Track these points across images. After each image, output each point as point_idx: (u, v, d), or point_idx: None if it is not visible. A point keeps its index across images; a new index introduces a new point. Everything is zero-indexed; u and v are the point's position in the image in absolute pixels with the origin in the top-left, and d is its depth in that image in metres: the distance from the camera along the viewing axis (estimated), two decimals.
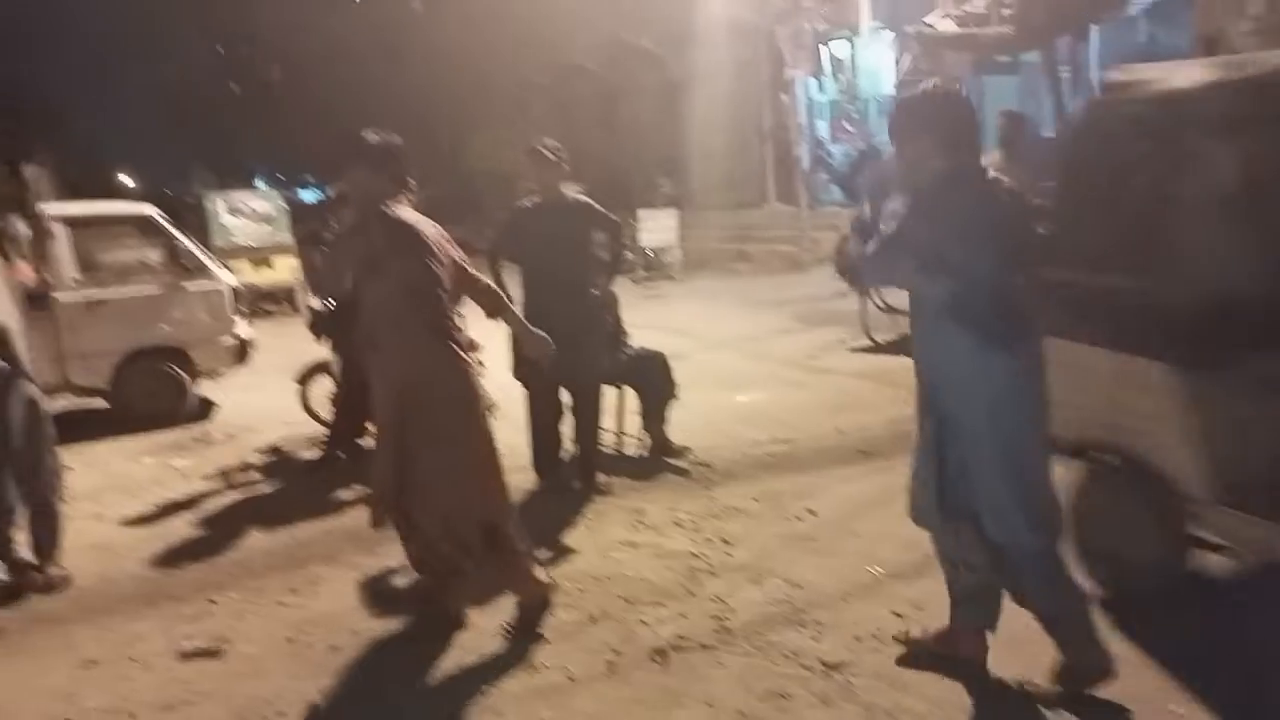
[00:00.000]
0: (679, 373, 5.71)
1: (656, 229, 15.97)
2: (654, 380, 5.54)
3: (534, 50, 23.16)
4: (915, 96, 2.92)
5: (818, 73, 15.58)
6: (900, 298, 8.67)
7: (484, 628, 3.56)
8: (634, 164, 22.30)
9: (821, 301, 11.48)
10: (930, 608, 3.52)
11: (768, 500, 4.82)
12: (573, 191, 5.06)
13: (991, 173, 2.91)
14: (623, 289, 5.94)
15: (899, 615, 3.49)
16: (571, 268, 4.89)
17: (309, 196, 22.86)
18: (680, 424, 5.71)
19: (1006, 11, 9.50)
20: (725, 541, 4.30)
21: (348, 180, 3.46)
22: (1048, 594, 2.88)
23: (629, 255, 15.77)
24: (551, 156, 4.84)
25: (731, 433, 6.05)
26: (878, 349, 8.47)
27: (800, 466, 5.39)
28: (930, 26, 10.30)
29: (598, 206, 5.04)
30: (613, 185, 21.29)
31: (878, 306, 8.84)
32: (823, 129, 18.36)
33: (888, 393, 6.92)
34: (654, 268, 15.83)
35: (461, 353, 3.37)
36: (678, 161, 20.14)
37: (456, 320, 3.42)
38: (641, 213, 16.11)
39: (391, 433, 3.38)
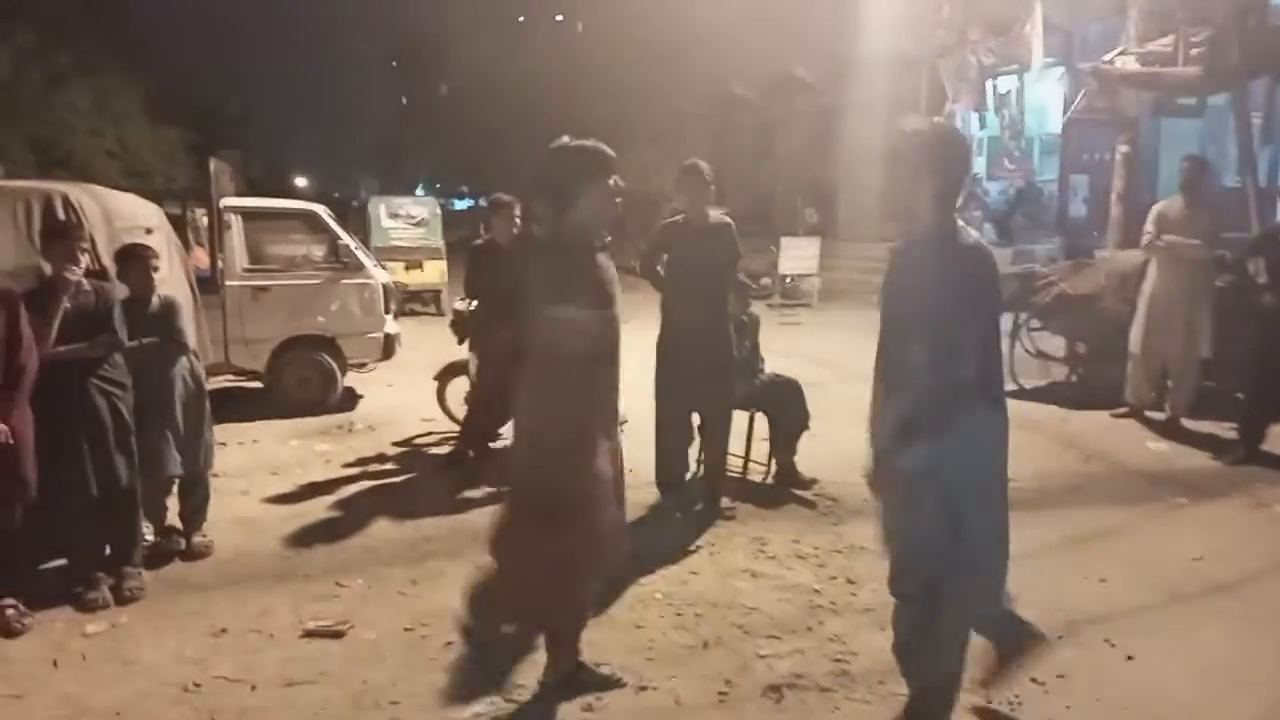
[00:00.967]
0: (813, 403, 5.55)
1: (797, 256, 15.74)
2: (787, 408, 5.40)
3: (691, 77, 23.39)
4: (927, 130, 2.79)
5: (980, 107, 15.04)
6: (1054, 344, 8.27)
7: (599, 640, 3.51)
8: (781, 192, 22.14)
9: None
10: (1073, 676, 3.27)
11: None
12: (717, 213, 5.01)
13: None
14: (760, 315, 5.83)
15: (1038, 683, 3.23)
16: (710, 288, 4.84)
17: (461, 205, 23.76)
18: (810, 455, 5.54)
19: (1195, 51, 8.91)
20: (850, 580, 4.12)
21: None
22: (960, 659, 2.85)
23: (756, 285, 15.64)
24: (706, 175, 4.81)
25: (863, 469, 5.82)
26: (1024, 395, 8.02)
27: None
28: (1110, 64, 9.77)
29: (733, 232, 4.98)
30: (758, 212, 21.23)
31: (1027, 351, 8.40)
32: (979, 165, 17.76)
33: (1033, 441, 6.54)
34: (791, 295, 15.62)
35: None
36: (826, 191, 19.86)
37: None
38: (784, 240, 15.94)
39: None
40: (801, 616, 3.76)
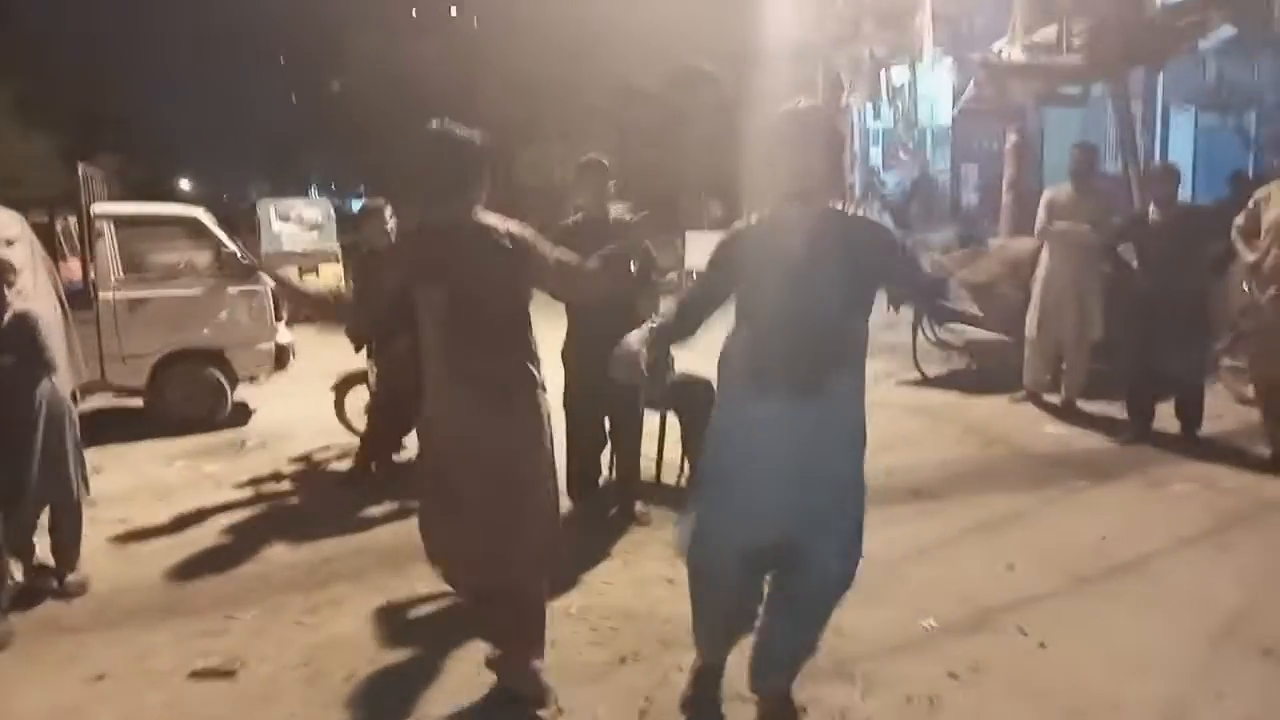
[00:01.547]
0: None
1: (703, 250, 15.71)
2: (698, 407, 5.31)
3: (594, 71, 23.23)
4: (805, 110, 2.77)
5: (875, 98, 15.32)
6: (954, 331, 8.44)
7: None
8: (685, 186, 22.18)
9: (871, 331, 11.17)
10: (987, 667, 3.27)
11: None
12: (618, 210, 4.90)
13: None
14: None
15: (954, 676, 3.22)
16: (615, 290, 4.71)
17: (358, 206, 23.13)
18: None
19: (1077, 41, 9.20)
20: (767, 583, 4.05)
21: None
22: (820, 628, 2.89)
23: (663, 280, 15.63)
24: (606, 171, 4.69)
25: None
26: (927, 383, 8.18)
27: None
28: (997, 54, 10.02)
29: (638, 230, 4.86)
30: (662, 207, 21.23)
31: (928, 339, 8.55)
32: (876, 156, 18.13)
33: (939, 430, 6.65)
34: None
35: None
36: (730, 184, 19.99)
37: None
38: (689, 234, 15.94)
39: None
40: None
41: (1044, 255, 6.86)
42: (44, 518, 4.11)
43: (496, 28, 29.04)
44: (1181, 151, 15.13)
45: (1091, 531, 4.52)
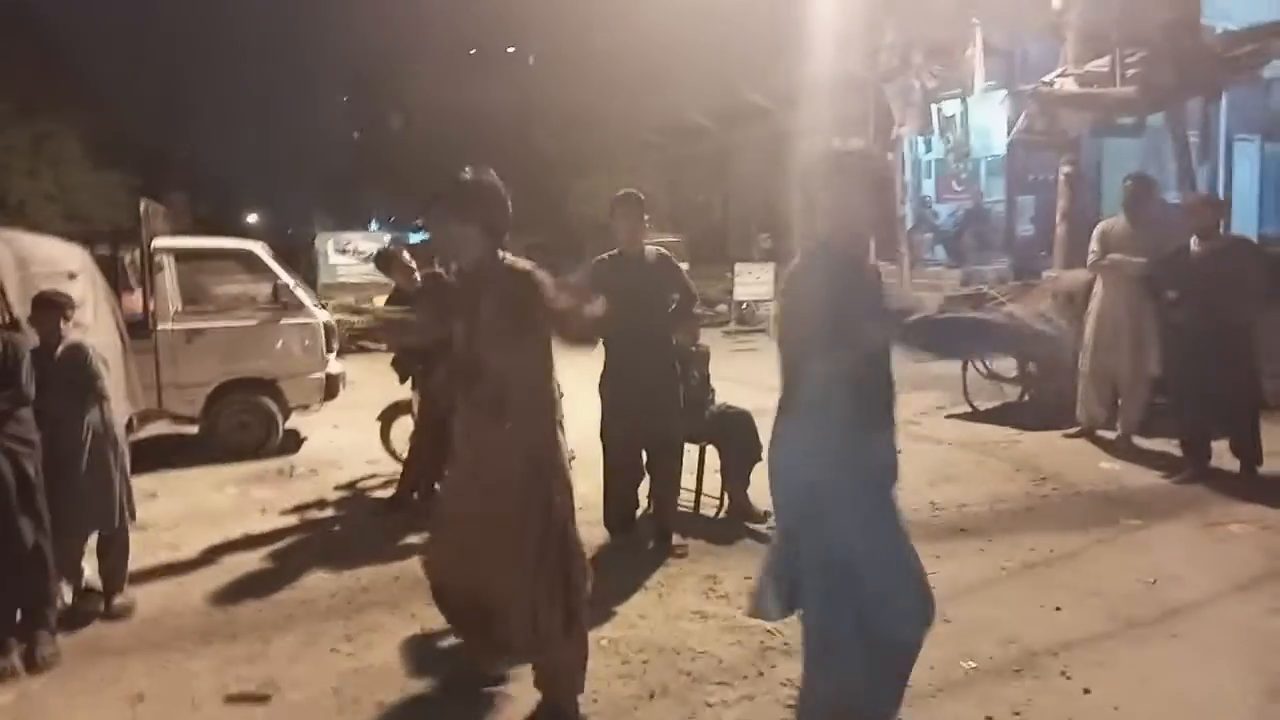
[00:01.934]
0: (766, 432, 5.42)
1: (752, 282, 15.78)
2: (738, 439, 5.29)
3: (646, 106, 23.45)
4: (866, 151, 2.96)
5: (926, 130, 15.22)
6: (1005, 365, 8.27)
7: (535, 699, 3.35)
8: (736, 219, 22.23)
9: (920, 364, 11.01)
10: (1029, 712, 3.16)
11: None
12: (654, 246, 4.92)
13: None
14: (712, 342, 5.75)
15: None
16: (649, 323, 4.74)
17: (417, 238, 23.58)
18: (763, 486, 5.41)
19: (1131, 72, 9.04)
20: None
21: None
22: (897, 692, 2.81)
23: (711, 311, 15.64)
24: (641, 205, 4.73)
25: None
26: (978, 416, 8.01)
27: None
28: (1049, 85, 9.89)
29: (673, 263, 4.90)
30: (714, 239, 21.27)
31: (979, 371, 8.40)
32: (929, 188, 17.96)
33: (989, 465, 6.50)
34: (746, 321, 15.62)
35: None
36: (780, 217, 19.97)
37: None
38: (739, 266, 15.95)
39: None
40: (752, 659, 3.62)
41: (1097, 288, 6.71)
42: (93, 542, 4.23)
43: (551, 63, 29.55)
44: (1246, 181, 14.74)
45: (1143, 573, 4.36)
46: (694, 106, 22.85)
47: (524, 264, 3.13)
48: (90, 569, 4.27)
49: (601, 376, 4.80)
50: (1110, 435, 6.81)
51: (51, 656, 3.72)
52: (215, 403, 7.32)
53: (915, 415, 8.33)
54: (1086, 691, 3.30)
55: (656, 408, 4.64)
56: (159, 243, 7.40)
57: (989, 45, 12.47)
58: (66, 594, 4.17)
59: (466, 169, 3.16)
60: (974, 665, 3.52)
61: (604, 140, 24.91)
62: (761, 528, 5.15)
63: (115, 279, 7.40)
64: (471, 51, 40.52)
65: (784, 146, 19.73)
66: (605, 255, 4.86)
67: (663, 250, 4.90)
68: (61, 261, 5.22)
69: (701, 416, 5.28)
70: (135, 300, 7.93)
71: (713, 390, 5.57)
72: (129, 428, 5.83)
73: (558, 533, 3.11)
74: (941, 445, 7.19)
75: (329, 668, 3.67)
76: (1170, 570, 4.39)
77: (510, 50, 38.43)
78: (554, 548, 3.08)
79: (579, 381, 5.41)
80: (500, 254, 3.13)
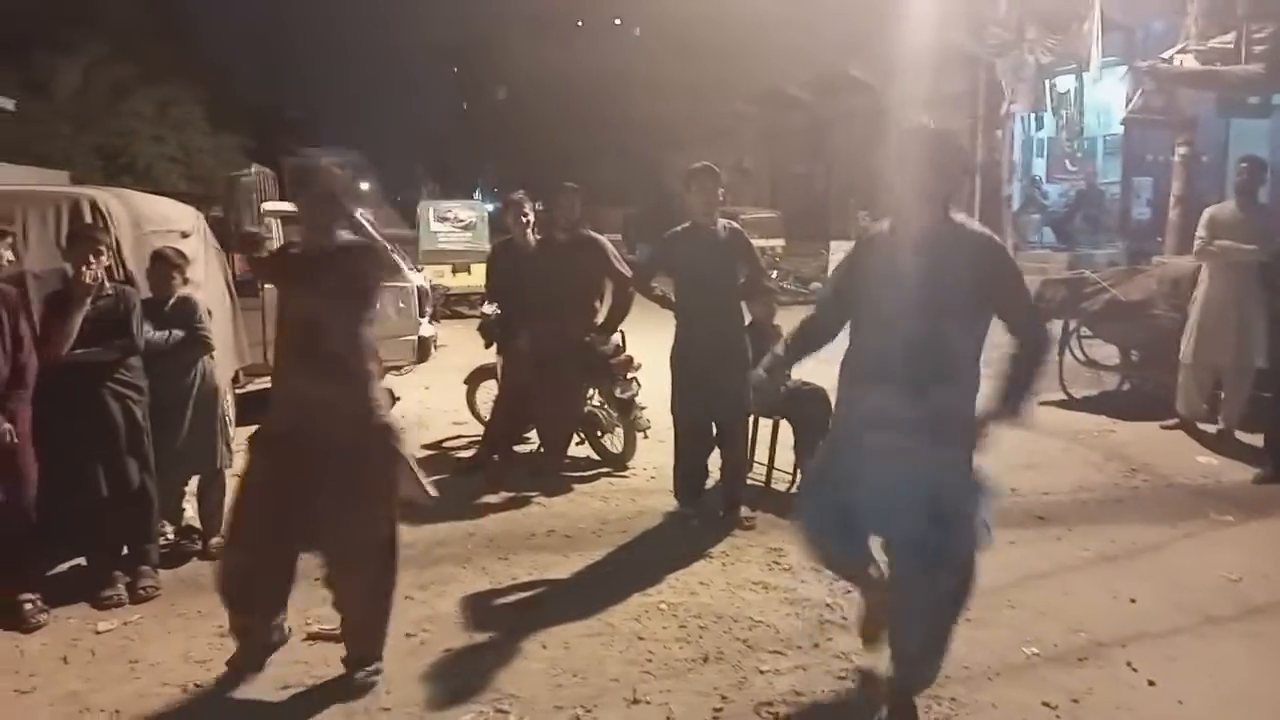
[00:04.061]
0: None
1: None
2: (811, 415, 5.27)
3: (743, 77, 23.22)
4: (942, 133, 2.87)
5: (1038, 107, 14.64)
6: (1106, 351, 7.97)
7: (597, 649, 3.47)
8: (834, 195, 21.86)
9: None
10: (1089, 700, 3.11)
11: None
12: (726, 220, 4.92)
13: None
14: (794, 319, 5.73)
15: (1050, 706, 3.09)
16: (719, 297, 4.76)
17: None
18: None
19: (1259, 48, 8.51)
20: None
21: None
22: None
23: (806, 290, 15.45)
24: (718, 179, 4.74)
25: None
26: (1072, 404, 7.76)
27: None
28: (1168, 62, 9.40)
29: (745, 238, 4.89)
30: (810, 215, 20.97)
31: (1077, 359, 8.12)
32: (1039, 167, 17.30)
33: (1077, 454, 6.32)
34: None
35: None
36: (877, 194, 19.55)
37: None
38: (834, 243, 15.71)
39: None
40: (809, 631, 3.65)
41: (1203, 275, 6.41)
42: (194, 485, 4.53)
43: (653, 35, 29.45)
44: None
45: (1228, 569, 4.20)
46: (794, 79, 22.48)
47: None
48: (190, 510, 4.57)
49: (673, 349, 4.86)
50: (1211, 428, 6.52)
51: (151, 589, 4.01)
52: None
53: None
54: (1151, 684, 3.23)
55: (726, 381, 4.67)
56: (267, 206, 7.75)
57: (1108, 19, 11.91)
58: (168, 532, 4.48)
59: None
60: (1036, 651, 3.48)
61: (702, 112, 24.77)
62: None
63: (225, 239, 7.78)
64: (579, 23, 40.72)
65: (885, 121, 19.33)
66: (678, 228, 4.89)
67: (735, 225, 4.90)
68: (175, 221, 5.52)
69: (776, 391, 5.28)
70: (237, 261, 8.32)
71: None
72: (235, 381, 6.19)
73: None
74: (1028, 431, 6.99)
75: (402, 613, 3.83)
76: (1258, 568, 4.22)
77: (617, 22, 38.47)
78: None
79: (651, 353, 5.49)
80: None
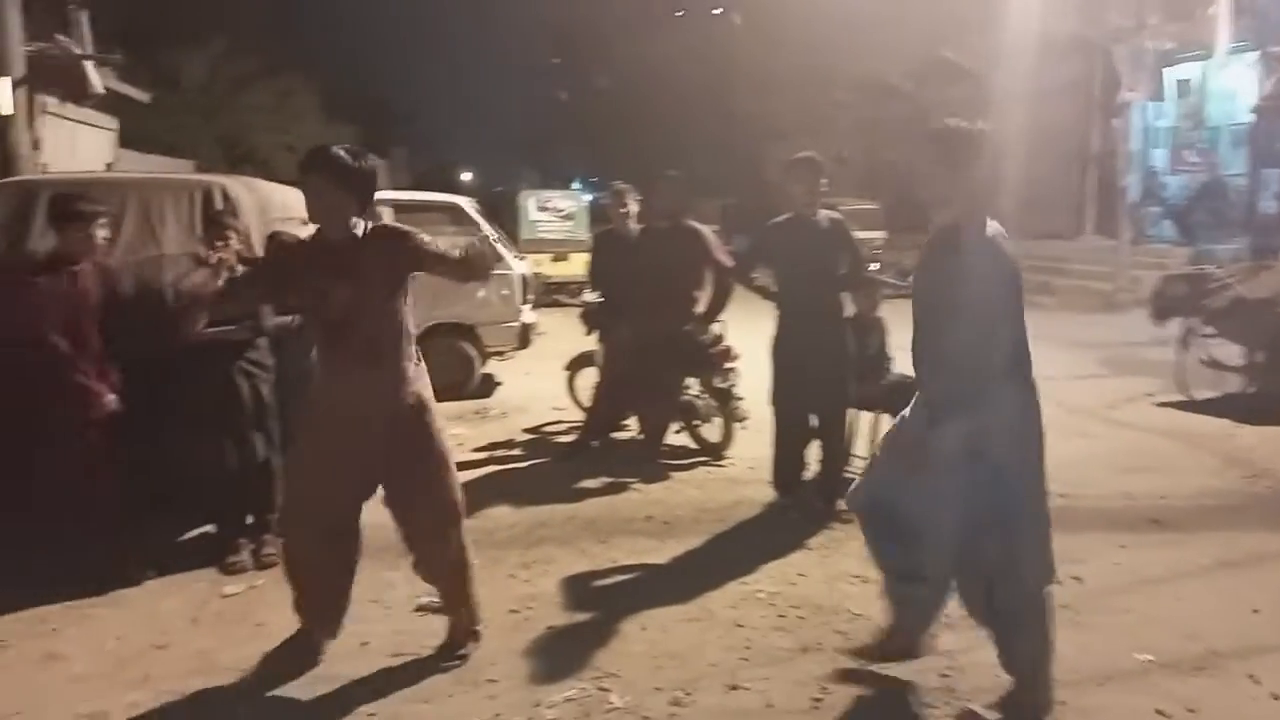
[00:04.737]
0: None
1: None
2: None
3: (844, 66, 22.84)
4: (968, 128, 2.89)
5: (1158, 96, 14.00)
6: (1229, 351, 7.61)
7: (694, 634, 3.51)
8: None
9: (1132, 347, 10.29)
10: (1205, 710, 3.00)
11: None
12: (828, 211, 4.87)
13: None
14: (906, 313, 5.65)
15: (1165, 715, 2.99)
16: (819, 288, 4.73)
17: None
18: None
19: None
20: None
21: None
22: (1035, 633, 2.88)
23: (904, 282, 15.10)
24: (819, 169, 4.70)
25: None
26: (1192, 406, 7.43)
27: (1072, 526, 4.79)
28: None
29: (846, 229, 4.84)
30: (910, 207, 20.49)
31: (1200, 360, 7.76)
32: (1159, 158, 16.54)
33: (1196, 457, 6.05)
34: None
35: None
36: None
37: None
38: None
39: None
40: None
41: None
42: None
43: (753, 24, 29.15)
44: None
45: None
46: (895, 67, 22.00)
47: None
48: None
49: (773, 340, 4.85)
50: None
51: (273, 557, 4.22)
52: (421, 345, 7.85)
53: (1117, 400, 7.84)
54: (1276, 698, 3.09)
55: (826, 372, 4.65)
56: (378, 195, 8.02)
57: (1238, 3, 11.28)
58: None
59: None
60: (1150, 658, 3.36)
61: (802, 102, 24.45)
62: None
63: None
64: (679, 13, 40.65)
65: (994, 110, 18.74)
66: (779, 219, 4.87)
67: (836, 215, 4.85)
68: (295, 208, 5.75)
69: (877, 384, 5.23)
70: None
71: (890, 359, 5.49)
72: None
73: None
74: (1144, 433, 6.75)
75: (506, 591, 3.98)
76: None
77: (717, 12, 38.25)
78: None
79: (751, 344, 5.49)
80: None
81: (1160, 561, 4.28)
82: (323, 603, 3.39)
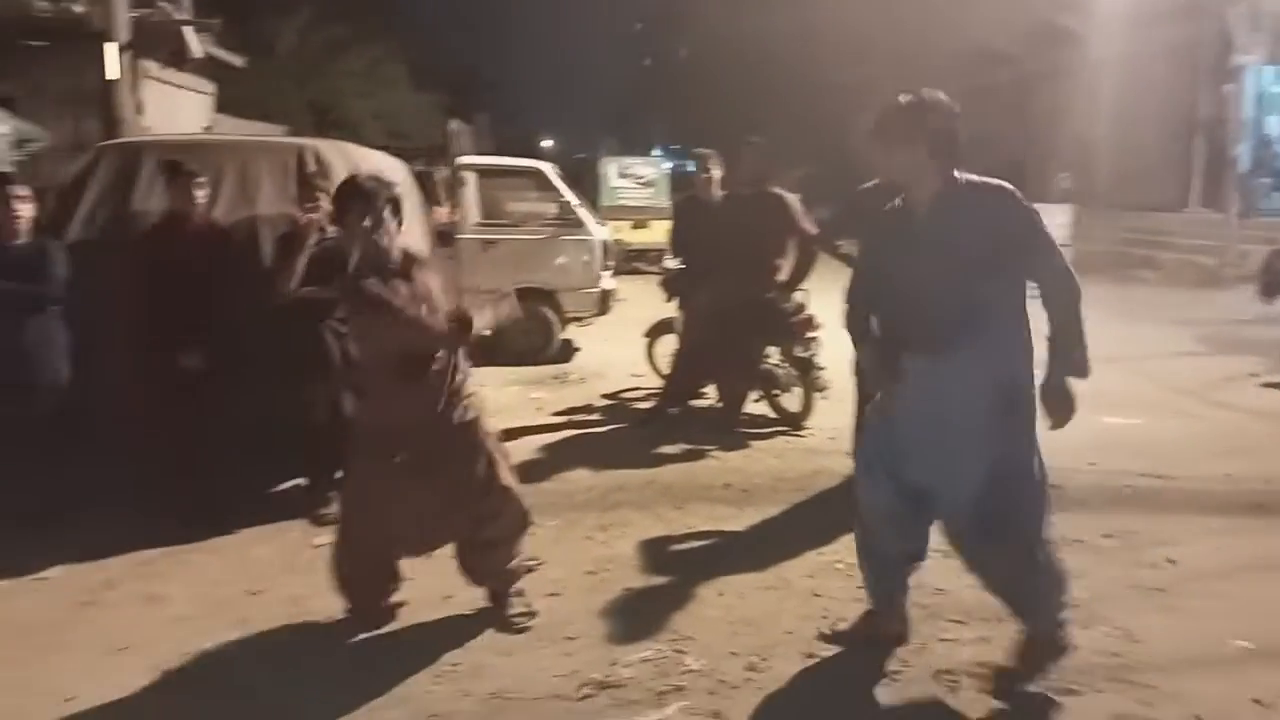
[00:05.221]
0: (1038, 380, 5.15)
1: (1047, 225, 14.56)
2: None
3: (938, 31, 22.09)
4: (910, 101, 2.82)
5: (1275, 59, 13.21)
6: None
7: (770, 603, 3.51)
8: (1035, 155, 20.57)
9: (1238, 325, 9.82)
10: None
11: (1120, 538, 4.21)
12: None
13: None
14: None
15: (1261, 704, 2.87)
16: None
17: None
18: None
19: None
20: None
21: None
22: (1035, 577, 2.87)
23: None
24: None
25: (1091, 456, 5.37)
26: None
27: (1168, 508, 4.65)
28: None
29: None
30: (1007, 177, 19.79)
31: None
32: (1273, 125, 15.63)
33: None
34: None
35: None
36: (1086, 154, 18.23)
37: None
38: (1034, 207, 14.81)
39: None
40: (993, 604, 3.51)
41: None
42: None
43: None
44: None
45: None
46: (994, 32, 21.18)
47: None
48: None
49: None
50: None
51: None
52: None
53: (1220, 380, 7.51)
54: None
55: None
56: (463, 160, 8.14)
57: None
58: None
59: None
60: (1247, 645, 3.23)
61: (896, 72, 23.78)
62: None
63: (427, 191, 8.24)
64: None
65: (1096, 76, 17.95)
66: (868, 185, 4.75)
67: None
68: (386, 173, 5.87)
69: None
70: (441, 213, 8.80)
71: None
72: None
73: None
74: (1246, 414, 6.45)
75: (584, 552, 4.03)
76: None
77: None
78: None
79: (834, 314, 5.39)
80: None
81: (1262, 546, 4.10)
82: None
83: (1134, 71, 16.47)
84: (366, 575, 3.37)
